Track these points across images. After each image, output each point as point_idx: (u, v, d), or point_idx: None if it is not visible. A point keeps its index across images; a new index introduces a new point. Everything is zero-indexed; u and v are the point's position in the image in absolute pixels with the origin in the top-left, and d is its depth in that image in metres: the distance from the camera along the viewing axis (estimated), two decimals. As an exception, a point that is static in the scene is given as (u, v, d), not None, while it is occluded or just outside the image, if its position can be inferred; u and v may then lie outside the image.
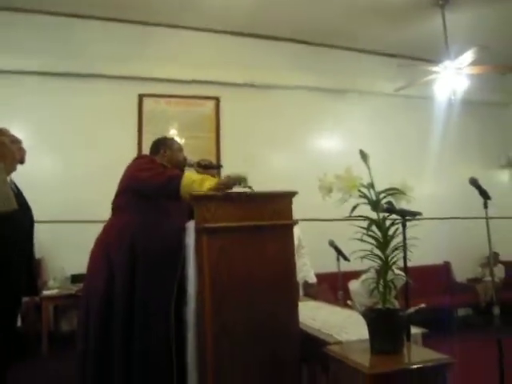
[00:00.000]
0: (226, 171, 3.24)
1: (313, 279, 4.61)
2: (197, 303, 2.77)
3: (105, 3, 6.03)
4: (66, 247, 5.74)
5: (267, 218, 2.82)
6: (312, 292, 4.52)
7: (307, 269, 4.49)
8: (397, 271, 2.39)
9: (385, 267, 2.31)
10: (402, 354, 2.28)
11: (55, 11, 6.07)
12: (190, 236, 2.92)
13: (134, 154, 5.66)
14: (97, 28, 6.30)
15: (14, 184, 3.41)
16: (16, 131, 3.70)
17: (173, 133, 6.52)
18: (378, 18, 6.44)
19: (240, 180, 2.92)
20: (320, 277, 4.93)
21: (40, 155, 5.84)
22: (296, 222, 2.87)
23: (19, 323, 4.49)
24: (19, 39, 5.96)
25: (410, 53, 7.26)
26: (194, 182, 2.92)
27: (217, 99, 6.90)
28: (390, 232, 2.33)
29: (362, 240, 2.29)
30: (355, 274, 2.97)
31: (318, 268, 4.94)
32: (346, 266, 3.99)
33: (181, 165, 3.53)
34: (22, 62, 5.97)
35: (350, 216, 2.27)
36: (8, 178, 3.16)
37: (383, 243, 2.31)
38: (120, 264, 3.06)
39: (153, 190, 3.05)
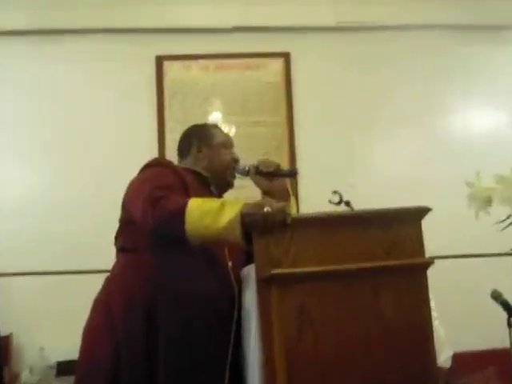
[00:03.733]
0: (306, 180, 2.69)
1: (445, 361, 3.41)
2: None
3: None
4: (46, 317, 4.06)
5: (381, 254, 2.12)
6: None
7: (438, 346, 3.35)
8: None
9: None
10: None
11: None
12: (248, 291, 2.26)
13: (152, 153, 4.11)
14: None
15: None
16: None
17: (214, 117, 4.44)
18: None
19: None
20: (474, 356, 3.85)
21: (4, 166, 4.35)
22: (432, 262, 2.14)
23: None
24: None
25: None
26: (204, 214, 2.10)
27: (286, 56, 4.50)
28: None
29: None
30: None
31: (469, 341, 3.74)
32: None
33: (227, 172, 2.59)
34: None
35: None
36: None
37: None
38: (128, 335, 2.27)
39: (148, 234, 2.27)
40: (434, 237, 2.30)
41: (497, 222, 1.74)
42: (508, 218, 1.73)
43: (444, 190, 3.59)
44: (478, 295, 3.11)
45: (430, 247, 2.21)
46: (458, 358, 3.38)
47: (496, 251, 3.16)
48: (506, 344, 2.84)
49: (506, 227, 1.72)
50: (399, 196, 2.39)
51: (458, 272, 3.86)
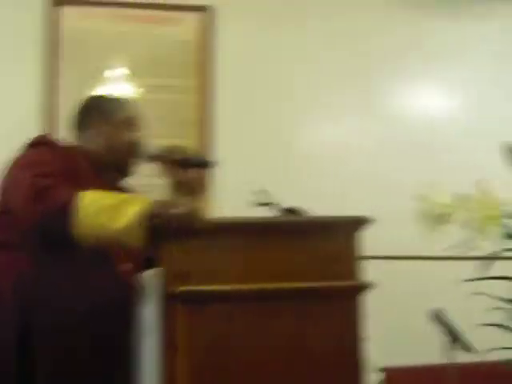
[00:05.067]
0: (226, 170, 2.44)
1: None
2: None
3: None
4: None
5: (310, 273, 1.91)
6: None
7: None
8: None
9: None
10: None
11: None
12: (148, 305, 2.14)
13: (39, 121, 3.51)
14: None
15: None
16: None
17: (117, 77, 3.71)
18: None
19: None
20: (407, 372, 3.44)
21: None
22: (368, 285, 1.95)
23: None
24: None
25: None
26: (100, 210, 1.86)
27: (204, 10, 3.75)
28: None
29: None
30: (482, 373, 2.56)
31: (402, 355, 3.35)
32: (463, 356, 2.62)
33: (128, 156, 2.29)
34: None
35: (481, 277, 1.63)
36: None
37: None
38: None
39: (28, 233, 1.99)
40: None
41: (452, 247, 1.69)
42: (465, 242, 1.65)
43: (385, 201, 3.23)
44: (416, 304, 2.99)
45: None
46: (390, 373, 3.29)
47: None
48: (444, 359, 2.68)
49: (463, 253, 1.65)
50: (334, 201, 2.21)
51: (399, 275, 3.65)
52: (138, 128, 2.35)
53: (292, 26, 3.84)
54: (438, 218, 1.69)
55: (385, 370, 3.26)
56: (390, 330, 3.31)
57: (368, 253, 2.03)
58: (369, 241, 2.01)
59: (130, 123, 2.32)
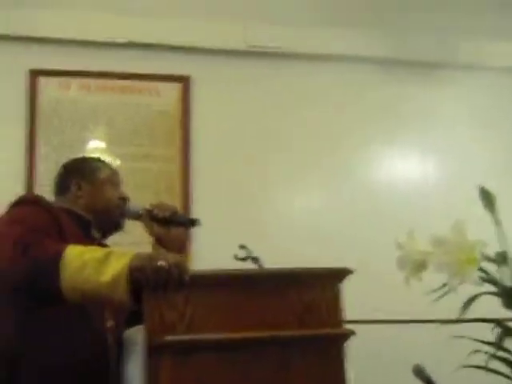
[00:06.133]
0: (202, 230, 2.38)
1: None
2: None
3: None
4: None
5: (293, 321, 1.91)
6: None
7: None
8: None
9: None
10: None
11: None
12: (131, 359, 2.03)
13: (19, 184, 3.55)
14: None
15: None
16: None
17: (96, 147, 3.74)
18: None
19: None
20: None
21: None
22: (351, 333, 1.93)
23: None
24: None
25: None
26: (85, 265, 1.81)
27: (185, 81, 3.85)
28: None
29: (486, 369, 1.51)
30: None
31: None
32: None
33: (114, 212, 2.32)
34: None
35: (459, 319, 1.50)
36: None
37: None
38: None
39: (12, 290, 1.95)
40: (354, 299, 2.09)
41: (432, 291, 1.55)
42: (443, 286, 1.52)
43: (363, 250, 3.30)
44: (399, 367, 2.92)
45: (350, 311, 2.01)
46: None
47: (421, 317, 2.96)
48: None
49: (440, 297, 1.53)
50: (313, 252, 2.20)
51: (378, 340, 3.52)
52: (119, 186, 2.38)
53: (267, 92, 3.88)
54: (416, 265, 1.59)
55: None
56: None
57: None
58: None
59: (112, 181, 2.35)
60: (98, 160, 2.54)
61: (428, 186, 3.92)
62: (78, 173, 2.34)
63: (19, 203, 2.17)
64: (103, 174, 2.35)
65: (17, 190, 2.46)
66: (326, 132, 3.89)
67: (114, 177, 2.39)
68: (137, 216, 2.33)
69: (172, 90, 3.78)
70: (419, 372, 2.47)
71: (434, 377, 2.56)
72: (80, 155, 2.75)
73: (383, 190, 3.93)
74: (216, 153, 3.74)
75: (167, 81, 3.79)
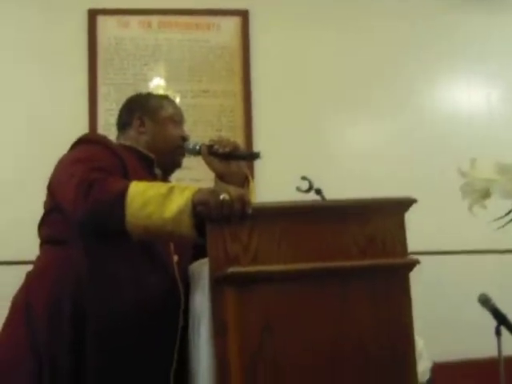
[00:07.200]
0: (264, 162, 2.28)
1: (423, 374, 3.19)
2: None
3: None
4: None
5: (356, 252, 1.87)
6: None
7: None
8: None
9: None
10: None
11: None
12: (197, 291, 1.99)
13: (82, 125, 3.56)
14: None
15: None
16: None
17: (157, 84, 3.82)
18: None
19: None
20: (456, 367, 3.50)
21: None
22: (416, 262, 1.89)
23: None
24: None
25: None
26: (148, 201, 1.80)
27: (243, 15, 3.88)
28: None
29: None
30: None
31: (450, 350, 3.42)
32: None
33: (175, 151, 2.27)
34: None
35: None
36: None
37: None
38: (52, 350, 1.94)
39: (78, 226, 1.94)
40: (417, 230, 2.06)
41: (495, 219, 1.56)
42: (509, 213, 1.54)
43: (431, 179, 3.32)
44: (463, 297, 2.93)
45: (412, 243, 1.96)
46: (437, 369, 3.25)
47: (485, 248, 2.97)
48: (493, 353, 2.69)
49: (505, 224, 1.54)
50: (377, 184, 2.19)
51: (440, 271, 3.50)
52: (182, 124, 2.37)
53: (327, 25, 3.88)
54: (480, 192, 1.59)
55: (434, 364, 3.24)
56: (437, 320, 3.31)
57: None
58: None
59: (174, 120, 2.34)
60: (163, 97, 2.51)
61: (491, 114, 3.90)
62: (142, 108, 2.33)
63: (82, 142, 2.19)
64: (166, 113, 2.33)
65: (79, 131, 2.51)
66: (384, 63, 3.89)
67: (176, 115, 2.37)
68: (197, 152, 2.29)
69: (231, 25, 3.80)
70: (485, 301, 2.56)
71: (499, 306, 2.58)
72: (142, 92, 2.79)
73: (446, 118, 3.92)
74: (276, 86, 3.77)
75: (226, 15, 3.79)
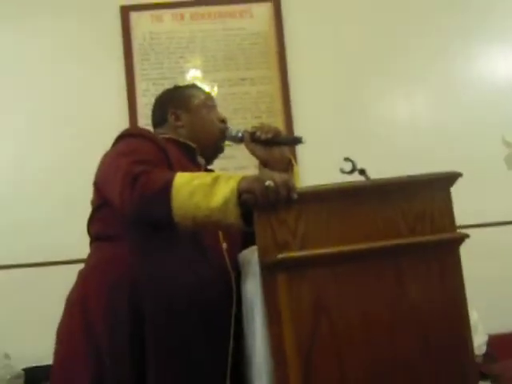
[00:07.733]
0: (306, 146, 2.17)
1: (479, 347, 3.21)
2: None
3: None
4: (9, 316, 3.45)
5: (405, 230, 1.83)
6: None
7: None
8: None
9: None
10: None
11: None
12: (249, 278, 1.96)
13: (122, 121, 3.62)
14: None
15: None
16: None
17: (194, 76, 3.79)
18: None
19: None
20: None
21: None
22: (466, 236, 1.83)
23: None
24: None
25: None
26: (194, 191, 1.79)
27: (275, 1, 3.84)
28: None
29: None
30: None
31: (506, 321, 3.42)
32: None
33: (216, 136, 2.25)
34: None
35: None
36: None
37: None
38: (111, 343, 1.94)
39: (127, 219, 1.93)
40: (462, 204, 1.99)
41: None
42: None
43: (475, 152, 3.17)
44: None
45: (458, 217, 1.91)
46: (493, 341, 3.22)
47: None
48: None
49: None
50: (419, 158, 2.16)
51: (490, 243, 3.38)
52: (215, 107, 2.33)
53: (360, 2, 3.82)
54: None
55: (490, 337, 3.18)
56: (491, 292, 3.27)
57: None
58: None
59: (206, 105, 2.31)
60: (190, 86, 2.48)
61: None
62: (172, 103, 2.31)
63: (124, 137, 2.17)
64: (198, 99, 2.31)
65: (120, 127, 2.51)
66: (431, 43, 3.81)
67: (209, 100, 2.34)
68: (239, 140, 2.27)
69: (263, 11, 3.75)
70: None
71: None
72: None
73: (486, 88, 3.80)
74: (312, 68, 3.71)
75: (257, 1, 3.75)
